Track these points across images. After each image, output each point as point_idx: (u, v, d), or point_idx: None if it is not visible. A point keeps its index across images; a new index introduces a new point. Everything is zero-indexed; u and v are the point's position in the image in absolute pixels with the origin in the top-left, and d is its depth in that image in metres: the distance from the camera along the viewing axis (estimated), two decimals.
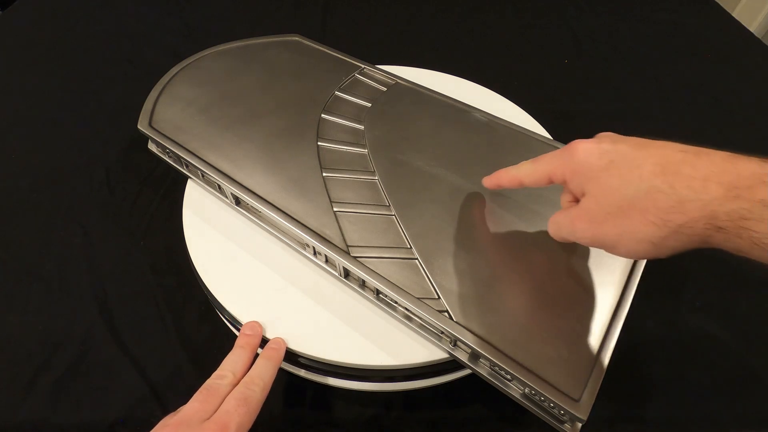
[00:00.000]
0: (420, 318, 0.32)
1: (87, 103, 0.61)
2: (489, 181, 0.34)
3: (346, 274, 0.34)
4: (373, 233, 0.35)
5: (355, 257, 0.33)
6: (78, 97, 0.62)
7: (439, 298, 0.31)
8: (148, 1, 0.80)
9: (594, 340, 0.29)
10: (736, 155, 0.22)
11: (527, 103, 0.52)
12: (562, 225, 0.28)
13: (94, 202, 0.50)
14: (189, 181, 0.43)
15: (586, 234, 0.26)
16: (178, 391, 0.37)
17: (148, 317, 0.41)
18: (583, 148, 0.27)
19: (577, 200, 0.28)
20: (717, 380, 0.39)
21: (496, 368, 0.29)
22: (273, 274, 0.37)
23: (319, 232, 0.34)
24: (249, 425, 0.28)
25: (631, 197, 0.24)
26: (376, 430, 0.36)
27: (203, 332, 0.40)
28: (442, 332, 0.31)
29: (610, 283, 0.32)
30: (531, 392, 0.28)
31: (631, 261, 0.34)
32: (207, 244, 0.39)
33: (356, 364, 0.33)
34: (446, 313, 0.30)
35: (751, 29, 0.81)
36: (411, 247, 0.34)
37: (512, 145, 0.42)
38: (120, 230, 0.47)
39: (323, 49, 0.52)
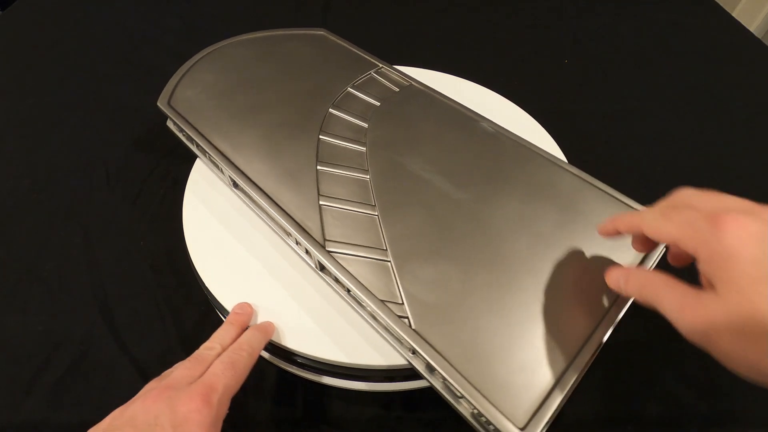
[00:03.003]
0: (380, 321, 0.31)
1: (87, 103, 0.61)
2: (604, 228, 0.29)
3: (321, 267, 0.35)
4: (354, 231, 0.34)
5: (329, 251, 0.33)
6: (78, 97, 0.61)
7: (402, 303, 0.30)
8: (148, 1, 0.80)
9: (555, 371, 0.28)
10: None
11: (527, 103, 0.52)
12: (664, 295, 0.24)
13: (94, 202, 0.50)
14: (189, 181, 0.43)
15: (699, 334, 0.23)
16: None
17: (148, 317, 0.41)
18: (734, 233, 0.21)
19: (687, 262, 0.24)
20: (717, 380, 0.39)
21: (448, 383, 0.28)
22: (273, 274, 0.37)
23: (300, 223, 0.35)
24: (236, 388, 0.28)
25: None
26: (376, 430, 0.36)
27: (203, 332, 0.40)
28: (401, 338, 0.30)
29: (588, 313, 0.30)
30: (477, 413, 0.27)
31: (614, 292, 0.30)
32: (207, 244, 0.39)
33: (356, 364, 0.33)
34: (406, 320, 0.30)
35: (751, 29, 0.81)
36: (386, 249, 0.33)
37: (513, 159, 0.40)
38: (120, 230, 0.47)
39: (346, 45, 0.52)
